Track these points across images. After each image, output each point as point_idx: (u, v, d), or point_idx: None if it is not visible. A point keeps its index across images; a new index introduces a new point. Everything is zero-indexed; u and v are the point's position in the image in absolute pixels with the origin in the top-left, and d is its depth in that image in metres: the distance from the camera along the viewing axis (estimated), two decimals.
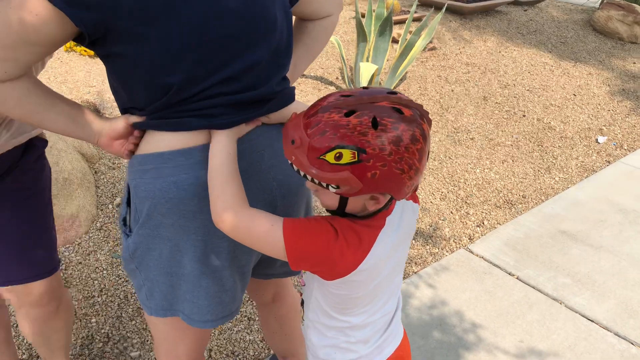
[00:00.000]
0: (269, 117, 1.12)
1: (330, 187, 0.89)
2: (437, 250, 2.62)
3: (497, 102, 4.26)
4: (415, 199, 1.10)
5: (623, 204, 3.05)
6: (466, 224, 2.82)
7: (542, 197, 3.09)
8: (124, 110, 1.13)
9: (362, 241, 0.96)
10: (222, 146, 1.03)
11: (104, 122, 1.10)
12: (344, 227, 0.96)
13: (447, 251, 2.62)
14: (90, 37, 0.94)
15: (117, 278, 2.29)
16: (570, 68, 5.04)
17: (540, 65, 5.05)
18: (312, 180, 0.91)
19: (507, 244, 2.67)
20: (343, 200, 0.95)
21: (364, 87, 0.95)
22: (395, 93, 0.91)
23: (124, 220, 1.18)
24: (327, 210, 1.04)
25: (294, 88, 1.16)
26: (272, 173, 1.15)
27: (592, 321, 2.20)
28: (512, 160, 3.44)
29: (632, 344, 2.09)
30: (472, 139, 3.67)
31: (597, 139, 3.79)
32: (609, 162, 3.50)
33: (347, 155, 0.85)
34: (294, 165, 0.93)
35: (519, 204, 3.02)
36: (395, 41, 4.64)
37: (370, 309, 1.07)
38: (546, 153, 3.58)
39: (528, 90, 4.52)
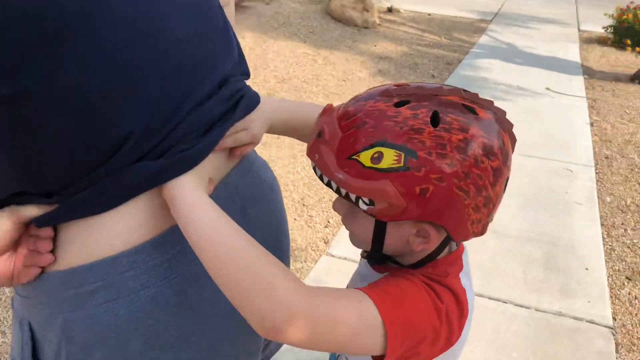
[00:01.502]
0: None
1: (360, 201, 0.62)
2: (300, 264, 2.42)
3: (283, 97, 4.21)
4: None
5: None
6: (314, 227, 2.69)
7: None
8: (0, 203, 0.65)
9: (458, 294, 0.70)
10: (195, 190, 0.65)
11: None
12: (428, 281, 0.69)
13: (310, 262, 2.44)
14: None
15: None
16: (329, 56, 5.30)
17: (303, 56, 5.18)
18: (338, 191, 0.64)
19: None
20: (379, 230, 0.68)
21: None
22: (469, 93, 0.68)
23: None
24: (366, 257, 0.77)
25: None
26: (261, 235, 0.81)
27: None
28: None
29: (505, 302, 2.24)
30: (278, 138, 3.53)
31: None
32: None
33: (390, 157, 0.61)
34: (316, 168, 0.65)
35: None
36: None
37: None
38: None
39: (304, 81, 4.58)
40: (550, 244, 2.62)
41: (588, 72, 5.48)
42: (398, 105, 0.63)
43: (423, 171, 0.60)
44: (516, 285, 2.34)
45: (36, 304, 0.67)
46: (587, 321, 2.15)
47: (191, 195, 0.64)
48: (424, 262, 0.72)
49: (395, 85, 0.67)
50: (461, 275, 0.74)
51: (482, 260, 2.49)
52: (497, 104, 0.69)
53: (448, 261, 0.73)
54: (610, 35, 6.82)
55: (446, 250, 0.74)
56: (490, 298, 2.25)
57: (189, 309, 0.68)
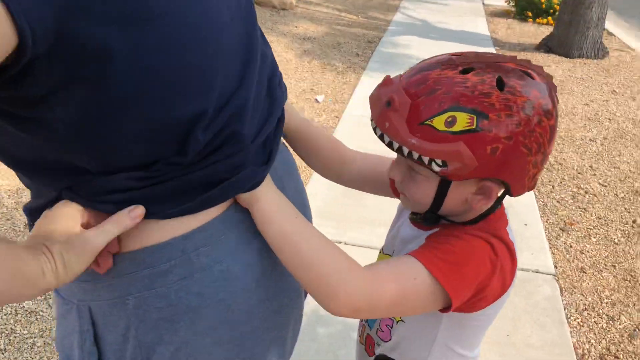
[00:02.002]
0: None
1: (434, 163, 0.67)
2: None
3: None
4: None
5: (372, 149, 3.39)
6: None
7: None
8: (54, 200, 0.63)
9: (509, 246, 0.77)
10: (275, 195, 0.72)
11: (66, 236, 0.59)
12: (485, 235, 0.75)
13: None
14: (34, 51, 0.48)
15: None
16: None
17: None
18: (409, 155, 0.68)
19: (317, 215, 2.67)
20: (442, 191, 0.73)
21: None
22: None
23: None
24: (418, 218, 0.82)
25: None
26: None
27: None
28: None
29: None
30: None
31: (316, 99, 4.09)
32: (337, 117, 3.83)
33: (463, 120, 0.65)
34: (385, 135, 0.69)
35: (302, 175, 3.04)
36: None
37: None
38: None
39: None
40: None
41: (498, 44, 5.82)
42: (464, 72, 0.68)
43: (494, 131, 0.65)
44: None
45: (101, 287, 0.66)
46: (533, 271, 2.34)
47: (272, 201, 0.70)
48: (479, 219, 0.78)
49: (455, 55, 0.72)
50: (507, 229, 0.81)
51: None
52: None
53: (497, 217, 0.79)
54: (513, 9, 7.26)
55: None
56: None
57: (254, 281, 0.70)
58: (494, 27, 6.59)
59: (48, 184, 0.64)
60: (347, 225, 2.60)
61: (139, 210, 0.62)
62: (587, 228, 2.70)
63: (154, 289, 0.65)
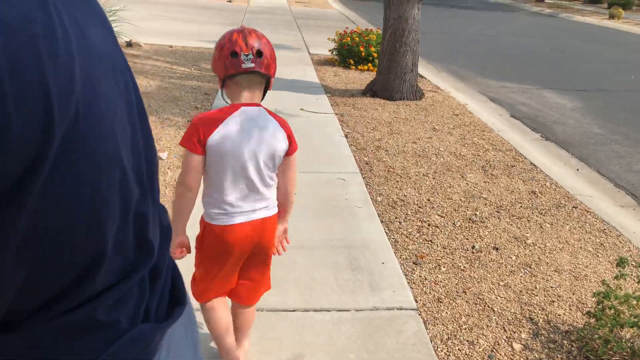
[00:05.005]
0: None
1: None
2: None
3: None
4: (283, 124, 1.91)
5: None
6: None
7: None
8: None
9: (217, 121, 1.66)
10: None
11: None
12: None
13: None
14: None
15: None
16: None
17: None
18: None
19: None
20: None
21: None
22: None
23: None
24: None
25: None
26: None
27: (294, 310, 2.39)
28: None
29: (329, 311, 2.40)
30: None
31: (159, 157, 3.90)
32: None
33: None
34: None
35: None
36: None
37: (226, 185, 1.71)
38: None
39: None
40: (348, 247, 2.90)
41: (329, 91, 6.16)
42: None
43: (216, 46, 1.66)
44: (333, 292, 2.52)
45: None
46: (397, 309, 2.44)
47: None
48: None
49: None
50: (238, 113, 1.71)
51: (298, 276, 2.62)
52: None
53: (231, 106, 1.72)
54: (336, 57, 7.78)
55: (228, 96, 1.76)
56: (315, 310, 2.39)
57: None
58: (322, 75, 6.98)
59: None
60: None
61: None
62: (435, 259, 2.91)
63: None
